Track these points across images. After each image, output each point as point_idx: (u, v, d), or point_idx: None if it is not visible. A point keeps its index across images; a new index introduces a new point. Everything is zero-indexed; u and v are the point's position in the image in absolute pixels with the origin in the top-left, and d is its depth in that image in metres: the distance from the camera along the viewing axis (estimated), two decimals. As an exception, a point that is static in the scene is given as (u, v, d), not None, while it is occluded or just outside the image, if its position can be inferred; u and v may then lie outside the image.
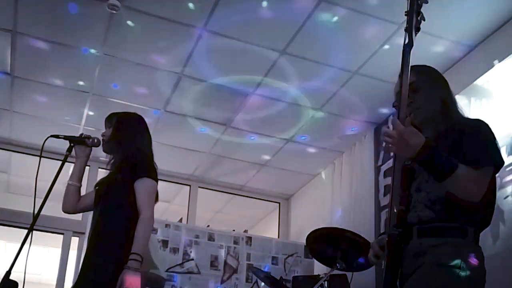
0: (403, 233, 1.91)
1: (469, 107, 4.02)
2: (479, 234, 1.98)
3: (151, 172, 2.76)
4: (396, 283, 1.88)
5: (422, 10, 1.95)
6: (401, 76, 1.92)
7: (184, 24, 4.11)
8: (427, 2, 1.94)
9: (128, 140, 2.83)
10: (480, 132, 2.00)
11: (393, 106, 2.11)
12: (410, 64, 1.91)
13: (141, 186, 2.69)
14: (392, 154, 1.95)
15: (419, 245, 1.93)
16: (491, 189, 1.97)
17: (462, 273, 1.84)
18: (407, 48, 1.91)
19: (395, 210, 1.89)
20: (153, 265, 3.56)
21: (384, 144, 1.88)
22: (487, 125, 2.05)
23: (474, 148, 1.94)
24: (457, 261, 1.85)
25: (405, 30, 1.93)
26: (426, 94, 2.11)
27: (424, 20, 1.93)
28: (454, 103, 2.17)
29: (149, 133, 2.95)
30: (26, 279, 2.72)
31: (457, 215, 1.93)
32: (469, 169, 1.87)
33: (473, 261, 1.90)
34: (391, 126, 1.87)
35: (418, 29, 1.93)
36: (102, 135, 2.93)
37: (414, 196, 2.01)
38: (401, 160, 1.93)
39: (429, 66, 2.25)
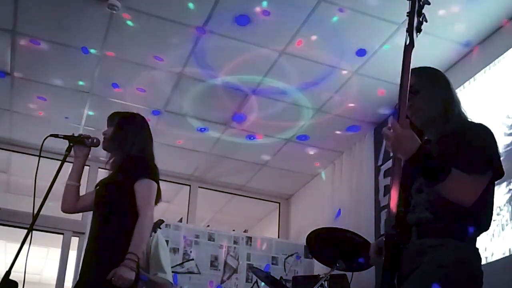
0: (402, 233, 1.90)
1: (468, 107, 4.02)
2: (477, 236, 1.98)
3: (152, 173, 2.75)
4: (394, 284, 1.88)
5: (423, 10, 1.94)
6: (401, 77, 1.91)
7: (184, 24, 4.11)
8: (429, 4, 1.93)
9: (130, 140, 2.82)
10: (480, 139, 1.97)
11: (395, 108, 2.11)
12: (411, 65, 1.90)
13: (141, 187, 2.68)
14: (391, 154, 1.94)
15: (418, 245, 1.93)
16: (489, 192, 1.96)
17: (460, 274, 1.84)
18: (408, 49, 1.90)
19: (394, 211, 1.88)
20: (161, 268, 3.52)
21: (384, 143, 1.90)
22: (489, 131, 2.01)
23: (472, 155, 1.92)
24: (455, 262, 1.86)
25: (407, 31, 1.91)
26: (427, 96, 2.10)
27: (426, 21, 1.92)
28: (456, 104, 2.13)
29: (150, 134, 2.94)
30: (26, 279, 2.72)
31: (456, 217, 1.92)
32: (462, 175, 1.85)
33: (471, 262, 1.90)
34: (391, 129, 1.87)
35: (419, 30, 1.91)
36: (104, 133, 2.92)
37: (414, 197, 2.01)
38: (401, 160, 1.92)
39: (430, 67, 2.23)
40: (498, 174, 1.96)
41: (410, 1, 1.92)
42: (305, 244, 4.61)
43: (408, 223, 1.97)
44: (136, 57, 4.52)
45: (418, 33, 1.90)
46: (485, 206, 1.96)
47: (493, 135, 2.01)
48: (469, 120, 2.14)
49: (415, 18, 1.90)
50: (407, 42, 1.90)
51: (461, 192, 1.86)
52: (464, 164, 1.88)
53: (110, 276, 2.44)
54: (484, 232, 2.00)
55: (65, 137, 2.93)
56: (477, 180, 1.89)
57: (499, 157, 1.97)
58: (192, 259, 5.40)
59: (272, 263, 5.70)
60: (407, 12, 1.92)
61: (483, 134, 2.00)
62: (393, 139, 1.85)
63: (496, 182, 2.00)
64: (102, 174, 3.07)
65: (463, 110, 2.15)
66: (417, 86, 2.06)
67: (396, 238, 1.88)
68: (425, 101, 2.09)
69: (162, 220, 3.77)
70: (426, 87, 2.11)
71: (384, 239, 1.90)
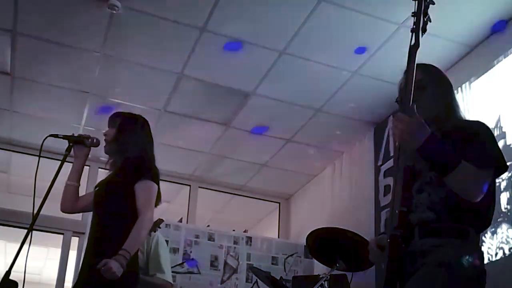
0: (405, 234, 1.90)
1: (468, 107, 4.02)
2: (479, 234, 1.98)
3: (152, 175, 2.75)
4: (396, 284, 1.87)
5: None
6: (406, 74, 1.92)
7: (184, 24, 4.11)
8: (433, 3, 1.93)
9: (131, 142, 2.82)
10: (481, 136, 1.99)
11: (396, 101, 2.11)
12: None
13: (141, 188, 2.69)
14: (392, 154, 1.94)
15: (420, 245, 1.93)
16: (491, 190, 1.96)
17: (463, 274, 1.84)
18: (413, 49, 1.90)
19: (396, 211, 1.88)
20: (160, 268, 3.53)
21: (391, 131, 1.88)
22: (487, 127, 2.05)
23: (476, 151, 1.93)
24: (458, 262, 1.85)
25: (411, 31, 1.92)
26: (431, 93, 2.11)
27: (430, 21, 1.93)
28: (457, 104, 2.17)
29: (151, 136, 2.94)
30: (26, 279, 2.72)
31: (458, 216, 1.92)
32: (472, 168, 1.86)
33: (474, 262, 1.90)
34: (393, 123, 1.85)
35: (424, 30, 1.92)
36: (104, 134, 2.91)
37: (415, 197, 2.00)
38: (402, 160, 1.92)
39: (434, 66, 2.24)
40: (502, 168, 1.97)
41: (417, 1, 1.92)
42: (305, 244, 4.61)
43: (410, 223, 1.97)
44: (136, 57, 4.52)
45: (423, 34, 1.91)
46: (488, 203, 1.97)
47: (491, 131, 2.05)
48: (467, 119, 2.16)
49: (421, 19, 1.90)
50: (413, 43, 1.90)
51: (468, 185, 1.87)
52: (472, 158, 1.88)
53: (101, 265, 2.44)
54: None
55: (65, 137, 2.93)
56: (484, 174, 1.90)
57: (501, 152, 1.99)
58: (192, 259, 5.40)
59: (272, 263, 5.70)
60: (413, 12, 1.92)
61: (484, 131, 2.03)
62: (401, 127, 1.83)
63: None
64: (102, 174, 3.07)
65: (461, 111, 2.17)
66: (424, 82, 2.07)
67: (400, 239, 1.88)
68: (430, 99, 2.10)
69: (162, 219, 3.77)
70: (431, 85, 2.12)
71: (388, 240, 1.89)
